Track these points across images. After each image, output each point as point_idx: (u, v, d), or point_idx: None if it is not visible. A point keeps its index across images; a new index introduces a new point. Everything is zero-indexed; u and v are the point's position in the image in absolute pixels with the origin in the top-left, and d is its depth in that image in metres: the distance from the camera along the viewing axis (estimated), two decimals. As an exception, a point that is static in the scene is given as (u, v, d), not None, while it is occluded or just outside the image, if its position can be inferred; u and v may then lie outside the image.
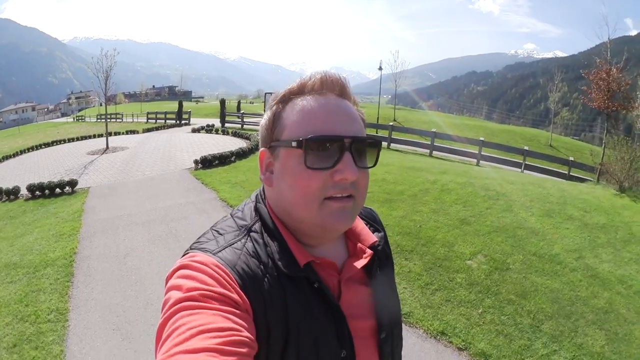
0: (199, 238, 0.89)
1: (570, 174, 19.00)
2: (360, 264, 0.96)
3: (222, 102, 30.68)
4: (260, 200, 0.96)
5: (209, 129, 25.40)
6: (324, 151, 0.83)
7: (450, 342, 4.19)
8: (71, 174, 13.86)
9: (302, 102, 0.88)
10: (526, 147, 20.11)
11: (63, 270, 5.94)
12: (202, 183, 10.76)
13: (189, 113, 37.37)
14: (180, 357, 0.60)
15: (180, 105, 37.97)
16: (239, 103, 42.18)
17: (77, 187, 11.99)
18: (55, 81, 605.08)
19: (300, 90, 0.90)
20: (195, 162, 13.31)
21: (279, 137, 0.89)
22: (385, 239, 1.07)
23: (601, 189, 11.85)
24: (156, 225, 7.59)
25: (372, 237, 1.01)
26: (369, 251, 0.98)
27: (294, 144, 0.85)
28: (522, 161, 19.09)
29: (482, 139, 19.90)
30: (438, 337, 4.27)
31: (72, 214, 8.96)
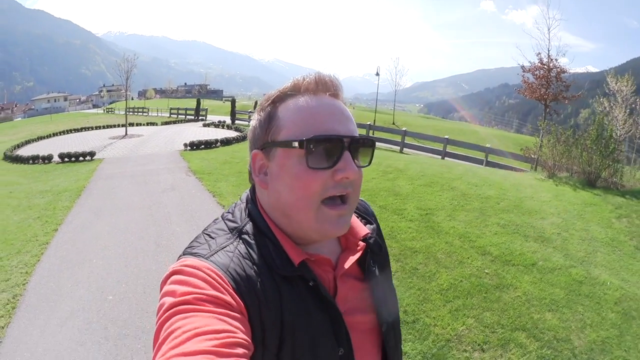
0: (191, 243, 0.90)
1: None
2: (354, 258, 0.98)
3: (233, 101, 35.59)
4: (251, 202, 0.97)
5: (217, 125, 29.64)
6: (325, 151, 0.85)
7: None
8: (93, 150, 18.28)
9: (298, 102, 0.89)
10: (488, 145, 20.33)
11: (75, 193, 10.23)
12: (183, 158, 15.08)
13: (206, 110, 42.28)
14: (177, 359, 0.63)
15: (198, 103, 42.74)
16: (255, 103, 46.52)
17: (95, 157, 16.71)
18: (88, 73, 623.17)
19: (294, 90, 0.91)
20: (185, 145, 17.73)
21: (275, 138, 0.89)
22: (378, 231, 1.10)
23: (528, 175, 12.36)
24: (137, 176, 11.95)
25: (364, 230, 1.02)
26: (361, 244, 1.00)
27: (295, 144, 0.86)
28: (484, 158, 19.04)
29: (447, 137, 20.88)
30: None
31: (87, 171, 13.53)
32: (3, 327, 4.38)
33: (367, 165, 0.93)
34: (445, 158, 18.91)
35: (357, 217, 1.08)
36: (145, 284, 5.23)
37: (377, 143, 7.72)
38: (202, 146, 17.71)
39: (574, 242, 6.71)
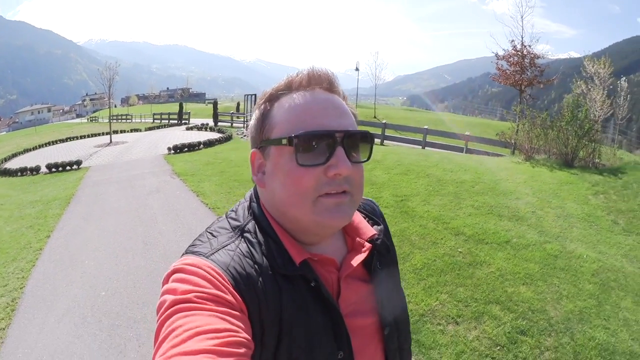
0: (193, 241, 0.90)
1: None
2: (359, 259, 0.95)
3: (215, 103, 35.67)
4: (254, 200, 0.96)
5: (200, 127, 29.82)
6: (316, 147, 0.83)
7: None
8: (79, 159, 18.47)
9: (290, 99, 0.88)
10: (467, 133, 19.79)
11: (64, 201, 10.44)
12: (167, 161, 15.31)
13: (189, 114, 42.42)
14: (178, 358, 0.62)
15: (181, 107, 42.90)
16: (238, 104, 46.63)
17: (82, 165, 16.89)
18: (70, 82, 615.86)
19: (288, 87, 0.90)
20: (168, 148, 17.97)
21: (268, 136, 0.89)
22: (385, 231, 1.08)
23: (505, 159, 12.52)
24: (123, 182, 12.17)
25: (371, 231, 1.01)
26: (367, 245, 0.98)
27: (284, 141, 0.85)
28: (464, 146, 18.68)
29: (426, 127, 20.53)
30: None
31: (75, 179, 13.74)
32: (4, 329, 4.64)
33: (366, 161, 0.90)
34: (426, 148, 18.80)
35: (365, 218, 1.07)
36: (135, 279, 5.52)
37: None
38: (185, 149, 17.95)
39: (549, 219, 6.86)
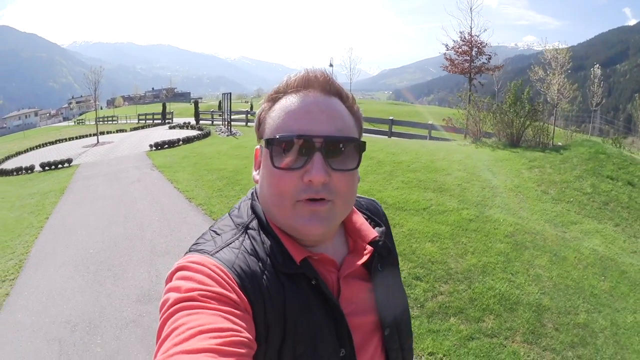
0: (197, 239, 0.89)
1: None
2: (360, 260, 0.95)
3: (196, 103, 37.03)
4: (256, 198, 0.95)
5: (182, 126, 31.19)
6: (293, 151, 0.81)
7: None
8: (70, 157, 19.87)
9: (282, 101, 0.87)
10: (431, 122, 19.62)
11: (59, 192, 11.91)
12: (148, 157, 16.78)
13: (172, 113, 43.78)
14: (179, 357, 0.61)
15: (164, 107, 44.27)
16: (219, 103, 47.91)
17: (72, 163, 18.31)
18: (56, 86, 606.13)
19: (285, 88, 0.89)
20: (150, 145, 19.42)
21: (262, 136, 0.89)
22: (387, 233, 1.07)
23: (453, 143, 13.13)
24: (109, 175, 13.68)
25: (373, 233, 0.99)
26: (369, 247, 0.97)
27: (262, 143, 0.87)
28: (427, 135, 18.34)
29: (391, 117, 20.16)
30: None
31: (67, 175, 15.21)
32: (14, 279, 6.07)
33: (353, 169, 0.85)
34: (392, 137, 18.52)
35: (367, 220, 1.05)
36: (116, 241, 7.02)
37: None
38: (166, 145, 19.27)
39: (473, 191, 7.28)
